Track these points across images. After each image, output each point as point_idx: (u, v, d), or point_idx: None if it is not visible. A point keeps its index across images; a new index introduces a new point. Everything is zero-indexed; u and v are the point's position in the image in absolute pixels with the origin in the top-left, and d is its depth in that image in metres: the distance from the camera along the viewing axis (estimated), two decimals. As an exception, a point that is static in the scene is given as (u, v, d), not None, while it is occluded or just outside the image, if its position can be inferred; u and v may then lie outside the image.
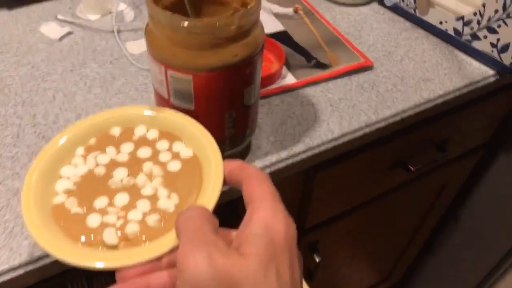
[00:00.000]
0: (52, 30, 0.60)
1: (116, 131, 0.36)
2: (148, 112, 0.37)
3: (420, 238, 1.02)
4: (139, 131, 0.36)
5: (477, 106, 0.68)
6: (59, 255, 0.27)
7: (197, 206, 0.27)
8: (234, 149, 0.44)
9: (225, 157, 0.32)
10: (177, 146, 0.35)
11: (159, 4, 0.37)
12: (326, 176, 0.58)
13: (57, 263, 0.37)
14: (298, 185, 0.59)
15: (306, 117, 0.51)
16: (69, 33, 0.60)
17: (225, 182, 0.31)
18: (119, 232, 0.29)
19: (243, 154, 0.46)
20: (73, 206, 0.31)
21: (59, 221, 0.30)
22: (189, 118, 0.36)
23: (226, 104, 0.38)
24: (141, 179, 0.32)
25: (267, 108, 0.52)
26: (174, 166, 0.33)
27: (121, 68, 0.55)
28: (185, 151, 0.34)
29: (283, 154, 0.47)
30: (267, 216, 0.26)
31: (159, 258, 0.27)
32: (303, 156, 0.48)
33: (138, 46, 0.59)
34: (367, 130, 0.51)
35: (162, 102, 0.39)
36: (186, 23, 0.32)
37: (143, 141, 0.35)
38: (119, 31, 0.61)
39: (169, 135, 0.36)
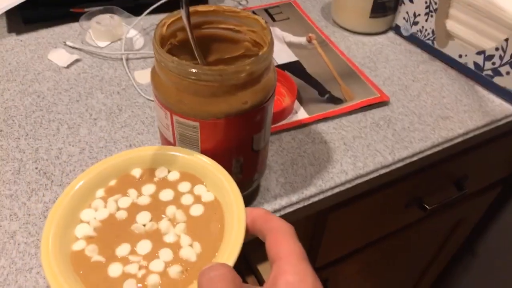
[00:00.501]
0: (60, 57, 0.58)
1: (136, 172, 0.35)
2: (169, 153, 0.35)
3: (435, 272, 0.98)
4: (160, 172, 0.35)
5: (498, 142, 0.65)
6: None
7: (221, 265, 0.26)
8: (242, 193, 0.41)
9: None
10: (199, 189, 0.34)
11: (167, 43, 0.35)
12: (338, 217, 0.56)
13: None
14: (308, 226, 0.56)
15: (318, 156, 0.49)
16: (77, 60, 0.59)
17: (246, 231, 0.29)
18: (139, 284, 0.28)
19: (251, 197, 0.44)
20: (93, 254, 0.30)
21: (78, 269, 0.29)
22: (211, 161, 0.34)
23: (234, 150, 0.36)
24: (164, 224, 0.31)
25: (278, 146, 0.49)
26: (197, 210, 0.32)
27: (128, 99, 0.54)
28: (207, 195, 0.33)
29: (294, 197, 0.44)
30: (294, 280, 0.24)
31: None
32: (315, 199, 0.45)
33: (146, 76, 0.57)
34: (382, 171, 0.49)
35: (167, 144, 0.37)
36: (194, 71, 0.30)
37: (164, 183, 0.34)
38: (127, 59, 0.59)
39: (190, 177, 0.34)
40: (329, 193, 0.46)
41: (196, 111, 0.32)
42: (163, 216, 0.32)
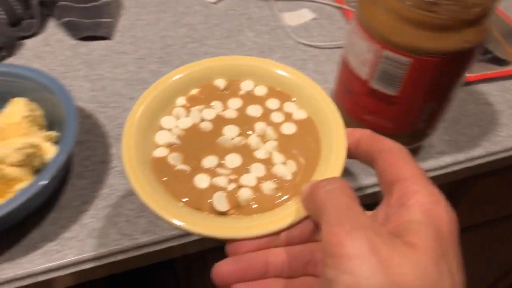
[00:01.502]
0: (207, -8, 0.58)
1: (220, 83, 0.32)
2: (256, 64, 0.32)
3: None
4: (246, 85, 0.32)
5: None
6: (168, 217, 0.24)
7: (337, 178, 0.23)
8: (410, 145, 0.39)
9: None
10: (289, 107, 0.31)
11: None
12: (482, 187, 0.53)
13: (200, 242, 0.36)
14: (442, 191, 0.54)
15: (482, 118, 0.45)
16: (224, -3, 0.58)
17: (348, 153, 0.26)
18: (230, 197, 0.26)
19: (414, 152, 0.42)
20: (177, 162, 0.27)
21: (161, 176, 0.27)
22: (304, 76, 0.31)
23: (433, 94, 0.34)
24: (253, 140, 0.28)
25: (437, 102, 0.47)
26: (288, 128, 0.29)
27: (278, 39, 0.53)
28: (298, 113, 0.30)
29: (460, 156, 0.42)
30: (427, 201, 0.21)
31: (277, 233, 0.24)
32: (482, 161, 0.42)
33: (295, 18, 0.55)
34: (554, 141, 0.45)
35: (355, 81, 0.36)
36: (428, -2, 0.28)
37: (251, 98, 0.31)
38: (275, 0, 0.58)
39: (279, 94, 0.31)
40: (497, 156, 0.43)
41: (412, 45, 0.30)
42: (252, 132, 0.29)
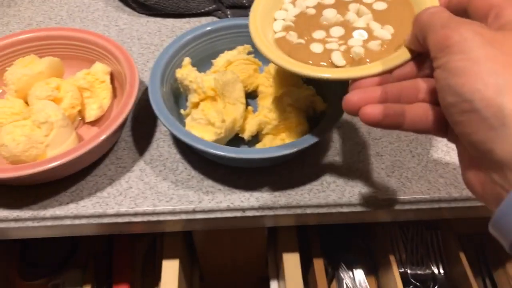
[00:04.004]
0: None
1: None
2: None
3: None
4: None
5: None
6: (297, 69, 0.30)
7: (436, 5, 0.27)
8: None
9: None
10: None
11: None
12: None
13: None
14: None
15: None
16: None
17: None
18: (344, 55, 0.31)
19: None
20: (294, 38, 0.33)
21: (284, 50, 0.33)
22: None
23: None
24: (350, 15, 0.33)
25: None
26: (380, 5, 0.33)
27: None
28: None
29: None
30: None
31: (390, 71, 0.28)
32: None
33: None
34: None
35: None
36: None
37: None
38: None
39: None
40: None
41: None
42: (347, 11, 0.34)
